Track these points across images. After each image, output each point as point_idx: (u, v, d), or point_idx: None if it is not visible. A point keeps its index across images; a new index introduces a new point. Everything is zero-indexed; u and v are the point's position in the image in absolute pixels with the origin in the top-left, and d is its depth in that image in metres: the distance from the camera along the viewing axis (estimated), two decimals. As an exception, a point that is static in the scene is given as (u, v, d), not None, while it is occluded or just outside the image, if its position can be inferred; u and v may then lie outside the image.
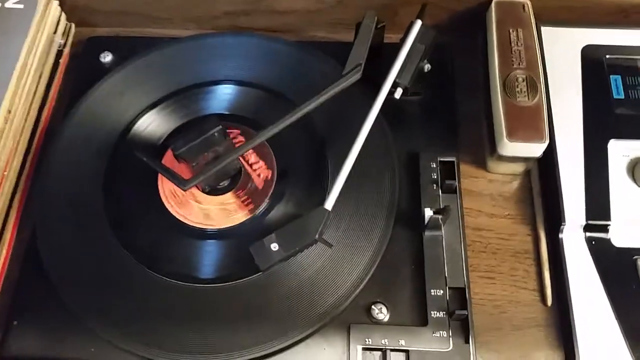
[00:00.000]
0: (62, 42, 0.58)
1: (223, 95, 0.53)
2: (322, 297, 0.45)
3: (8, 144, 0.50)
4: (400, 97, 0.50)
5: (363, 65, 0.48)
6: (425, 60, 0.52)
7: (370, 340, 0.45)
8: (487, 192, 0.53)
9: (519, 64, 0.52)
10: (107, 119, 0.52)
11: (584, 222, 0.49)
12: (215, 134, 0.44)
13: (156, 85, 0.54)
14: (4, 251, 0.50)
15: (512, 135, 0.49)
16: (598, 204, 0.49)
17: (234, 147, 0.47)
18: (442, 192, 0.50)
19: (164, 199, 0.49)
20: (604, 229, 0.49)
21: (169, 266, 0.47)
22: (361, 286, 0.46)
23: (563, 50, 0.54)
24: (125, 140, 0.52)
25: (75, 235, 0.48)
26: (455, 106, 0.55)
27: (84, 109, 0.52)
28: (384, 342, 0.45)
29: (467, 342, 0.45)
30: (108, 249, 0.48)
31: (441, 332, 0.45)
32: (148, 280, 0.47)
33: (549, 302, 0.48)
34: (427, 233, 0.48)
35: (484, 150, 0.54)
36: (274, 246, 0.45)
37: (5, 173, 0.50)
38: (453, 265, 0.47)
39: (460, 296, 0.46)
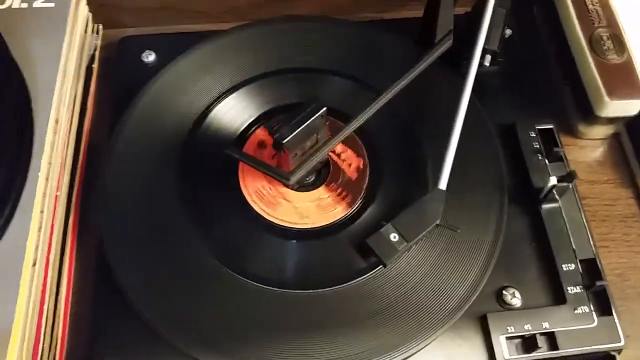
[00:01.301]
0: (97, 43, 0.51)
1: (298, 84, 0.48)
2: (448, 291, 0.41)
3: (57, 159, 0.43)
4: (488, 65, 0.47)
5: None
6: (506, 26, 0.49)
7: (512, 327, 0.41)
8: (582, 159, 0.50)
9: (599, 22, 0.50)
10: (171, 115, 0.47)
11: (690, 177, 0.47)
12: (319, 118, 0.39)
13: (225, 73, 0.49)
14: (65, 285, 0.42)
15: (613, 94, 0.46)
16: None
17: (328, 134, 0.43)
18: (549, 162, 0.46)
19: (249, 200, 0.44)
20: None
21: (269, 272, 0.41)
22: (488, 272, 0.42)
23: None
24: (196, 137, 0.46)
25: (153, 245, 0.42)
26: (543, 71, 0.52)
27: (143, 107, 0.46)
28: (527, 328, 0.41)
29: (610, 314, 0.41)
30: (195, 260, 0.42)
31: (582, 307, 0.41)
32: (246, 289, 0.41)
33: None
34: (544, 206, 0.45)
35: (568, 117, 0.51)
36: (394, 236, 0.40)
37: (58, 193, 0.43)
38: (578, 236, 0.44)
39: (592, 267, 0.43)
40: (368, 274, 0.41)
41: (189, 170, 0.45)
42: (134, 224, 0.42)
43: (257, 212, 0.43)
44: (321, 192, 0.45)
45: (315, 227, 0.43)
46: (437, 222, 0.41)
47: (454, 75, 0.49)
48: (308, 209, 0.44)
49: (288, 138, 0.38)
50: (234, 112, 0.47)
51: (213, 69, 0.49)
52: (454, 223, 0.42)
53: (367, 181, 0.45)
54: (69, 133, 0.46)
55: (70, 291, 0.43)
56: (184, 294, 0.40)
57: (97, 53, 0.52)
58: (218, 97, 0.47)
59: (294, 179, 0.40)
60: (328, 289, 0.41)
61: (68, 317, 0.42)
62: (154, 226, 0.43)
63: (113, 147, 0.45)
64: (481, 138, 0.46)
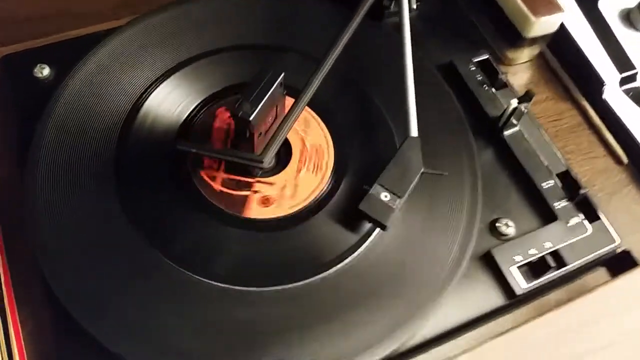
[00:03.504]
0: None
1: (233, 64, 0.43)
2: (445, 243, 0.39)
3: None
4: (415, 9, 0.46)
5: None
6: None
7: (518, 256, 0.40)
8: (517, 83, 0.50)
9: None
10: (95, 120, 0.40)
11: (618, 77, 0.49)
12: (279, 86, 0.35)
13: (147, 63, 0.43)
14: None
15: (537, 13, 0.47)
16: (619, 58, 0.50)
17: (284, 106, 0.39)
18: (496, 90, 0.46)
19: (217, 203, 0.38)
20: (634, 78, 0.50)
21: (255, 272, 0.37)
22: (479, 210, 0.40)
23: None
24: (130, 137, 0.40)
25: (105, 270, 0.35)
26: (455, 8, 0.52)
27: (57, 121, 0.39)
28: (532, 252, 0.40)
29: (598, 218, 0.42)
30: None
31: (573, 219, 0.41)
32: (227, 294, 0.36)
33: (625, 160, 0.48)
34: (505, 133, 0.44)
35: (493, 47, 0.51)
36: (385, 195, 0.37)
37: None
38: (546, 153, 0.44)
39: (569, 178, 0.43)
40: (364, 246, 0.38)
41: (132, 180, 0.39)
42: (77, 256, 0.36)
43: (239, 217, 0.38)
44: (293, 169, 0.40)
45: (307, 204, 0.39)
46: (422, 169, 0.38)
47: (379, 27, 0.47)
48: (290, 189, 0.39)
49: (254, 114, 0.34)
50: (171, 101, 0.42)
51: (134, 62, 0.43)
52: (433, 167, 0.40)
53: (333, 153, 0.41)
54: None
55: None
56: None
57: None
58: (147, 89, 0.42)
59: (267, 160, 0.36)
60: (319, 275, 0.37)
61: None
62: (103, 253, 0.36)
63: (31, 175, 0.37)
64: (427, 81, 0.45)
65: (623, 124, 0.48)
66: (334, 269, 0.37)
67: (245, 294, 0.36)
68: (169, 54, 0.43)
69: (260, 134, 0.36)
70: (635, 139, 0.47)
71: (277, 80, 0.35)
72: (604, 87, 0.48)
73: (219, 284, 0.36)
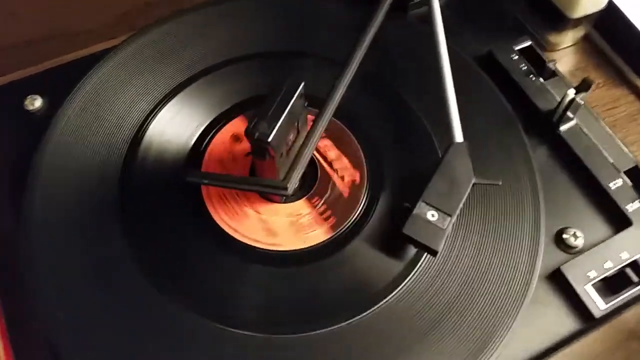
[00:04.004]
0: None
1: (247, 75, 0.38)
2: (508, 265, 0.33)
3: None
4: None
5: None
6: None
7: (593, 271, 0.34)
8: (563, 70, 0.45)
9: None
10: (96, 146, 0.35)
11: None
12: (299, 98, 0.30)
13: (150, 83, 0.38)
14: None
15: (582, -11, 0.42)
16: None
17: (307, 123, 0.33)
18: (544, 80, 0.41)
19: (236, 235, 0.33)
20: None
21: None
22: (542, 222, 0.35)
23: None
24: (134, 170, 0.35)
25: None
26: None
27: (52, 159, 0.34)
28: (608, 266, 0.34)
29: (678, 217, 0.36)
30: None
31: (651, 223, 0.36)
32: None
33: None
34: (562, 128, 0.39)
35: (532, 33, 0.46)
36: (432, 214, 0.32)
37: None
38: (610, 147, 0.38)
39: (638, 173, 0.37)
40: (410, 276, 0.33)
41: (138, 218, 0.34)
42: (86, 321, 0.31)
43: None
44: (300, 206, 0.35)
45: (284, 250, 0.34)
46: (473, 180, 0.33)
47: (404, 19, 0.42)
48: (280, 225, 0.34)
49: (272, 134, 0.29)
50: (176, 126, 0.37)
51: (131, 87, 0.38)
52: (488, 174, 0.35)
53: (366, 167, 0.36)
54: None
55: None
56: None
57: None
58: (148, 115, 0.37)
59: (292, 185, 0.30)
60: (364, 314, 0.32)
61: None
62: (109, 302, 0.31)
63: (26, 223, 0.33)
64: (465, 76, 0.39)
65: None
66: (379, 305, 0.32)
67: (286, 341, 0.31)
68: (169, 73, 0.38)
69: (282, 154, 0.31)
70: None
71: (296, 91, 0.30)
72: (664, 64, 0.43)
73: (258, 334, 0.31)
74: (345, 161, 0.36)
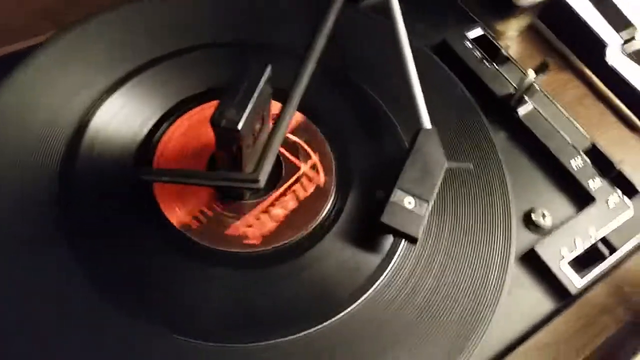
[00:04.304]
0: None
1: (198, 68, 0.36)
2: (483, 252, 0.33)
3: None
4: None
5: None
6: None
7: (564, 248, 0.34)
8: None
9: None
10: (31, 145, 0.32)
11: (619, 39, 0.45)
12: (266, 83, 0.28)
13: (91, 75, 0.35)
14: None
15: (527, -24, 0.42)
16: (615, 16, 0.46)
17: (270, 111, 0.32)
18: (498, 65, 0.41)
19: (195, 237, 0.31)
20: (632, 37, 0.46)
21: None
22: (512, 203, 0.34)
23: None
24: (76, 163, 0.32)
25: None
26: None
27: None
28: (578, 243, 0.34)
29: (637, 191, 0.37)
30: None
31: (612, 198, 0.36)
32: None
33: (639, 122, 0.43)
34: (520, 111, 0.39)
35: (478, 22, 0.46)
36: (409, 202, 0.31)
37: None
38: (567, 129, 0.39)
39: (597, 154, 0.38)
40: (389, 267, 0.32)
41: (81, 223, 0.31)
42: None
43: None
44: (263, 204, 0.33)
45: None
46: (446, 164, 0.32)
47: (358, 10, 0.41)
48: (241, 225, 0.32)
49: (242, 121, 0.27)
50: (122, 118, 0.34)
51: (69, 78, 0.35)
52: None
53: (333, 160, 0.35)
54: None
55: None
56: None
57: None
58: (90, 108, 0.33)
59: (263, 178, 0.29)
60: (348, 309, 0.30)
61: None
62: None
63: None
64: (424, 66, 0.38)
65: (634, 87, 0.43)
66: (359, 301, 0.30)
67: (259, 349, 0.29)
68: (113, 65, 0.35)
69: (248, 146, 0.29)
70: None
71: (263, 75, 0.28)
72: (606, 49, 0.44)
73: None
74: (310, 154, 0.35)
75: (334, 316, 0.30)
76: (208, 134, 0.29)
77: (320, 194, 0.33)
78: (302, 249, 0.32)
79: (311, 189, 0.33)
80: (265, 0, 0.40)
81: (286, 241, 0.32)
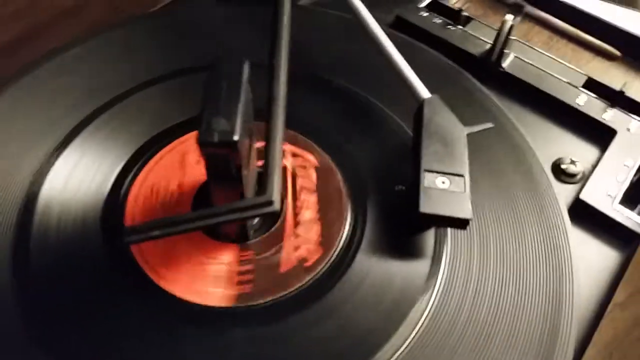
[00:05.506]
0: None
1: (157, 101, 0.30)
2: (532, 211, 0.28)
3: None
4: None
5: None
6: None
7: (613, 189, 0.30)
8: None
9: None
10: None
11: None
12: (247, 84, 0.23)
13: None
14: None
15: None
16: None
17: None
18: (464, 27, 0.37)
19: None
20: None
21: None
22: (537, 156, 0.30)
23: None
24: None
25: None
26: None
27: None
28: (620, 179, 0.31)
29: None
30: None
31: (632, 125, 0.33)
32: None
33: (617, 52, 0.41)
34: (504, 65, 0.35)
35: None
36: (442, 181, 0.26)
37: None
38: (558, 69, 0.36)
39: (596, 84, 0.35)
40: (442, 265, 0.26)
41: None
42: None
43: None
44: (263, 244, 0.26)
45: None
46: (465, 130, 0.28)
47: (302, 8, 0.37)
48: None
49: (237, 128, 0.21)
50: (80, 176, 0.27)
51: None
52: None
53: (336, 168, 0.29)
54: None
55: None
56: None
57: None
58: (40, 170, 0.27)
59: (277, 198, 0.23)
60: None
61: None
62: None
63: None
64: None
65: (598, 18, 0.41)
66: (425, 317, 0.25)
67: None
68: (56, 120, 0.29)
69: (245, 167, 0.23)
70: (620, 28, 0.41)
71: (243, 72, 0.22)
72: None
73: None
74: (311, 174, 0.29)
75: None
76: (180, 175, 0.24)
77: (325, 173, 0.28)
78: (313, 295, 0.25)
79: (313, 173, 0.28)
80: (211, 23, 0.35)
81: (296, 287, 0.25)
